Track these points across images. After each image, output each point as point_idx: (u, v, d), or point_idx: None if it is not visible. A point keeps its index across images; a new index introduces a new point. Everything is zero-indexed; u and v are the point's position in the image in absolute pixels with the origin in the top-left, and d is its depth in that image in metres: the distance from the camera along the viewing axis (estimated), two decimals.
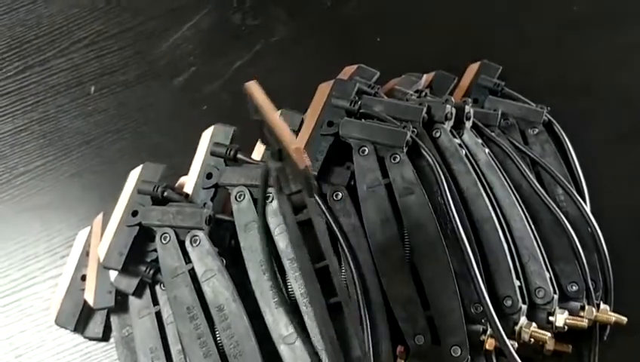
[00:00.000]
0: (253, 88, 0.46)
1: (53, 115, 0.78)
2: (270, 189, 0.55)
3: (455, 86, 0.74)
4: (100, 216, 0.63)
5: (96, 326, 0.63)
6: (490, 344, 0.53)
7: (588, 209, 0.64)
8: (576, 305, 0.59)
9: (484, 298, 0.53)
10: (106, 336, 0.63)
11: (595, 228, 0.62)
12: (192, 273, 0.54)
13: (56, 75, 0.81)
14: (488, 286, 0.55)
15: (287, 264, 0.53)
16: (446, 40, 0.80)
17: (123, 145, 0.76)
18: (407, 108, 0.61)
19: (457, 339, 0.52)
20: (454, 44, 0.79)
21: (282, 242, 0.54)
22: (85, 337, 0.63)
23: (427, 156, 0.58)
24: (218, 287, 0.53)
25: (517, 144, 0.66)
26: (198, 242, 0.55)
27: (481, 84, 0.74)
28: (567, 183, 0.64)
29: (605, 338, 0.61)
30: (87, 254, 0.63)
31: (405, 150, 0.57)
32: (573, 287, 0.60)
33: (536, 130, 0.69)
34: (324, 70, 0.69)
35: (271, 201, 0.56)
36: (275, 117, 0.43)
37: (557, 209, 0.61)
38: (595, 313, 0.59)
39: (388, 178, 0.57)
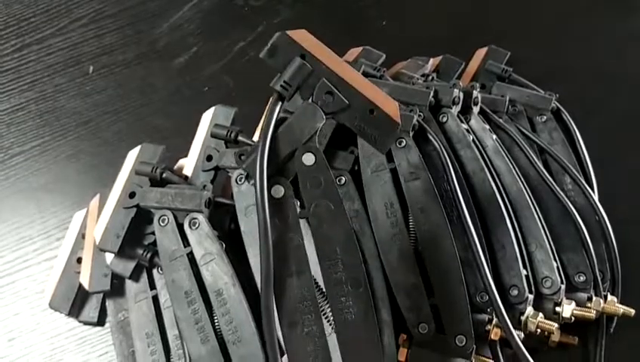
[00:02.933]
0: (307, 38, 0.44)
1: (51, 95, 0.77)
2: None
3: (462, 71, 0.73)
4: (96, 198, 0.62)
5: (91, 310, 0.62)
6: (495, 334, 0.52)
7: (596, 198, 0.62)
8: (584, 295, 0.58)
9: (490, 287, 0.51)
10: (101, 321, 0.61)
11: (603, 217, 0.61)
12: (191, 256, 0.53)
13: (54, 53, 0.79)
14: (494, 274, 0.54)
15: None
16: (453, 24, 0.78)
17: (121, 127, 0.75)
18: (413, 92, 0.59)
19: (462, 328, 0.51)
20: (461, 28, 0.78)
21: None
22: (80, 321, 0.62)
23: (434, 141, 0.56)
24: (217, 271, 0.52)
25: (525, 131, 0.65)
26: (197, 225, 0.53)
27: (488, 69, 0.72)
28: (575, 172, 0.63)
29: (612, 330, 0.60)
30: (83, 237, 0.62)
31: (411, 134, 0.56)
32: (581, 278, 0.58)
33: (545, 117, 0.67)
34: None
35: None
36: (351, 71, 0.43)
37: (565, 198, 0.60)
38: (602, 304, 0.57)
39: (393, 163, 0.55)
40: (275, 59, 0.44)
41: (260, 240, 0.44)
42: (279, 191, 0.46)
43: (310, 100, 0.45)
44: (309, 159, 0.45)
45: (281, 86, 0.44)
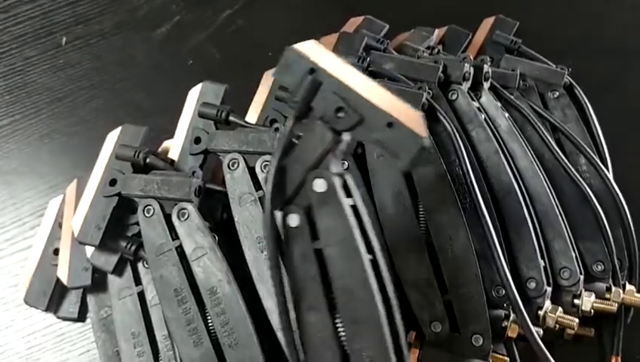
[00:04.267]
0: (314, 50, 0.40)
1: (20, 69, 0.71)
2: (269, 157, 0.50)
3: (469, 42, 0.68)
4: (73, 184, 0.57)
5: (70, 305, 0.58)
6: (513, 330, 0.49)
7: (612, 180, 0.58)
8: (602, 286, 0.55)
9: (507, 280, 0.47)
10: (81, 316, 0.57)
11: (620, 200, 0.57)
12: (180, 250, 0.48)
13: (23, 23, 0.73)
14: (511, 266, 0.50)
15: None
16: None
17: (99, 104, 0.69)
18: (421, 67, 0.55)
19: (479, 327, 0.47)
20: None
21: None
22: (59, 317, 0.58)
23: (444, 121, 0.52)
24: (210, 267, 0.47)
25: (537, 108, 0.61)
26: (186, 216, 0.49)
27: (496, 40, 0.68)
28: (590, 152, 0.59)
29: (629, 320, 0.57)
30: (60, 226, 0.57)
31: None
32: (599, 267, 0.55)
33: (557, 93, 0.63)
34: (324, 21, 0.64)
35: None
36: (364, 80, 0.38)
37: (582, 182, 0.56)
38: (622, 295, 0.54)
39: None
40: (288, 77, 0.39)
41: (272, 274, 0.40)
42: (294, 220, 0.40)
43: (321, 118, 0.40)
44: (319, 185, 0.39)
45: (293, 106, 0.40)
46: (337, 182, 0.39)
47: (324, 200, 0.39)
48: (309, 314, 0.39)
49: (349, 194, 0.39)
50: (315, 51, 0.40)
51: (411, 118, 0.37)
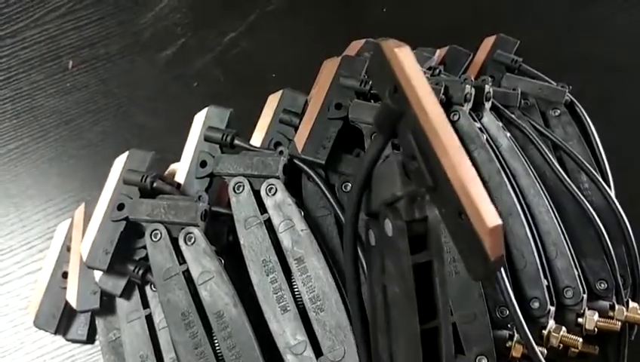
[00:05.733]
0: (407, 63, 0.30)
1: (27, 93, 0.72)
2: (273, 180, 0.50)
3: (469, 62, 0.68)
4: (81, 207, 0.57)
5: (79, 327, 0.58)
6: (517, 351, 0.49)
7: (614, 197, 0.59)
8: (606, 304, 0.55)
9: (510, 301, 0.48)
10: (90, 338, 0.57)
11: (622, 218, 0.57)
12: (187, 274, 0.49)
13: (30, 47, 0.74)
14: (513, 286, 0.50)
15: (293, 265, 0.48)
16: (458, 11, 0.74)
17: (105, 127, 0.70)
18: None
19: (484, 348, 0.47)
20: (467, 15, 0.74)
21: (287, 240, 0.49)
22: (68, 340, 0.58)
23: None
24: (217, 291, 0.48)
25: (538, 127, 0.61)
26: (193, 240, 0.49)
27: (497, 59, 0.68)
28: (592, 170, 0.59)
29: (632, 337, 0.57)
30: (68, 249, 0.57)
31: None
32: (602, 285, 0.55)
33: (558, 111, 0.64)
34: (325, 43, 0.64)
35: (274, 194, 0.50)
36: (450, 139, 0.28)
37: (584, 199, 0.56)
38: (625, 313, 0.54)
39: None
40: (374, 80, 0.35)
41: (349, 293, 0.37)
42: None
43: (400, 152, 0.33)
44: (388, 228, 0.33)
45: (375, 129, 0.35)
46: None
47: (390, 244, 0.33)
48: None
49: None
50: (406, 60, 0.31)
51: (485, 223, 0.26)
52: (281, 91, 0.57)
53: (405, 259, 0.32)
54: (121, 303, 0.53)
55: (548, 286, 0.52)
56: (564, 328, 0.51)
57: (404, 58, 0.31)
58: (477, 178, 0.28)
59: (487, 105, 0.59)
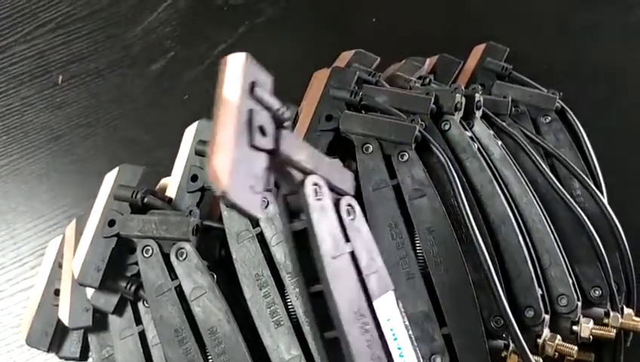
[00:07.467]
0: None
1: (17, 109, 0.72)
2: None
3: (460, 70, 0.68)
4: (72, 223, 0.57)
5: (72, 344, 0.57)
6: (512, 360, 0.49)
7: (606, 203, 0.59)
8: (600, 311, 0.54)
9: (505, 310, 0.48)
10: (83, 356, 0.57)
11: (616, 224, 0.57)
12: (179, 290, 0.49)
13: (19, 63, 0.74)
14: (508, 295, 0.50)
15: (286, 278, 0.48)
16: (448, 19, 0.74)
17: (96, 141, 0.70)
18: (413, 99, 0.55)
19: (479, 358, 0.47)
20: (457, 23, 0.74)
21: (280, 253, 0.49)
22: (61, 357, 0.57)
23: (437, 153, 0.52)
24: (209, 307, 0.48)
25: (530, 134, 0.61)
26: (184, 256, 0.49)
27: (487, 67, 0.68)
28: (584, 177, 0.59)
29: (628, 344, 0.57)
30: (60, 266, 0.57)
31: (414, 146, 0.52)
32: (597, 292, 0.55)
33: (549, 118, 0.63)
34: (315, 54, 0.64)
35: (266, 206, 0.50)
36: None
37: (576, 207, 0.56)
38: (620, 320, 0.54)
39: (396, 178, 0.51)
40: None
41: None
42: None
43: None
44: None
45: None
46: None
47: None
48: None
49: None
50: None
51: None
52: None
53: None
54: (113, 320, 0.52)
55: (542, 295, 0.52)
56: (559, 337, 0.51)
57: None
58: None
59: (478, 113, 0.59)
